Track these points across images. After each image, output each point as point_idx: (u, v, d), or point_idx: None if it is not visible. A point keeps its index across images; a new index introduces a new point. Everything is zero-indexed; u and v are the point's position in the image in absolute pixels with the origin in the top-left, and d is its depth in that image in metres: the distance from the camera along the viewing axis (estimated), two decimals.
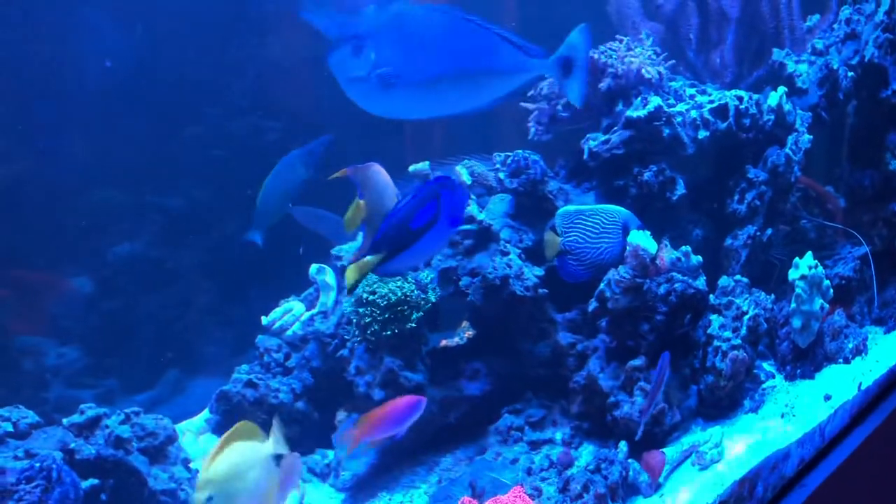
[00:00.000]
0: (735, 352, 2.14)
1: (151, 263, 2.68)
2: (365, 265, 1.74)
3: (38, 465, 1.59)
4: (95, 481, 1.86)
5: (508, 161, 2.38)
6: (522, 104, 2.52)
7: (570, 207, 2.28)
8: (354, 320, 2.16)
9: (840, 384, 2.26)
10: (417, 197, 1.77)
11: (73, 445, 1.87)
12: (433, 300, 2.16)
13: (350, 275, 1.74)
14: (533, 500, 1.78)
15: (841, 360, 2.39)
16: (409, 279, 2.16)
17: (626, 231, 2.20)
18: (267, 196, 2.53)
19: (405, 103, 1.90)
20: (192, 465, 2.12)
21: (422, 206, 1.77)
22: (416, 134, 3.06)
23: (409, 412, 1.89)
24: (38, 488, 1.56)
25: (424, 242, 1.78)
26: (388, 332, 2.12)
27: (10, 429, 1.88)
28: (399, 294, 2.12)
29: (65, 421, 1.97)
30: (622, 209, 2.25)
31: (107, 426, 1.97)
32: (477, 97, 1.91)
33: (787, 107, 2.55)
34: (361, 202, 1.86)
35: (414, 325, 2.14)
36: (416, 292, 2.13)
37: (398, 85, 1.85)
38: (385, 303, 2.12)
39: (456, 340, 2.27)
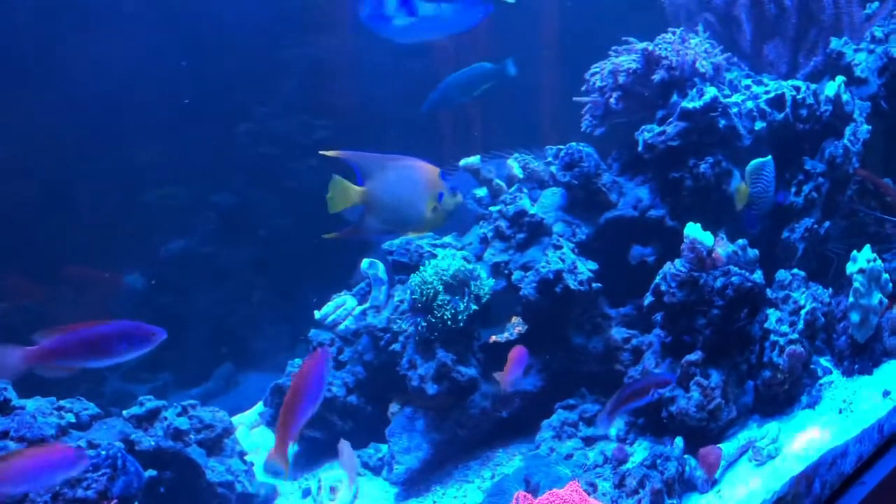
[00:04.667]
0: (792, 346, 2.11)
1: (204, 259, 2.72)
2: None
3: (103, 453, 1.62)
4: (154, 472, 1.89)
5: (561, 154, 2.36)
6: (575, 99, 2.50)
7: (757, 160, 2.33)
8: (417, 298, 2.16)
9: None
10: None
11: (133, 437, 1.91)
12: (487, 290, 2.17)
13: None
14: (588, 495, 1.76)
15: None
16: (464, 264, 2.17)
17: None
18: (453, 80, 2.71)
19: None
20: (247, 458, 2.15)
21: None
22: (461, 129, 3.07)
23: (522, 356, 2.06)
24: (104, 476, 1.59)
25: None
26: (448, 314, 2.13)
27: (73, 420, 1.92)
28: (456, 273, 2.14)
29: (125, 413, 2.01)
30: None
31: (165, 418, 2.00)
32: None
33: (846, 97, 2.49)
34: (360, 188, 1.87)
35: (475, 307, 2.14)
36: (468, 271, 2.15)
37: None
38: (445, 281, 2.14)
39: (506, 336, 2.26)
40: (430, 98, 2.79)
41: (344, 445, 2.09)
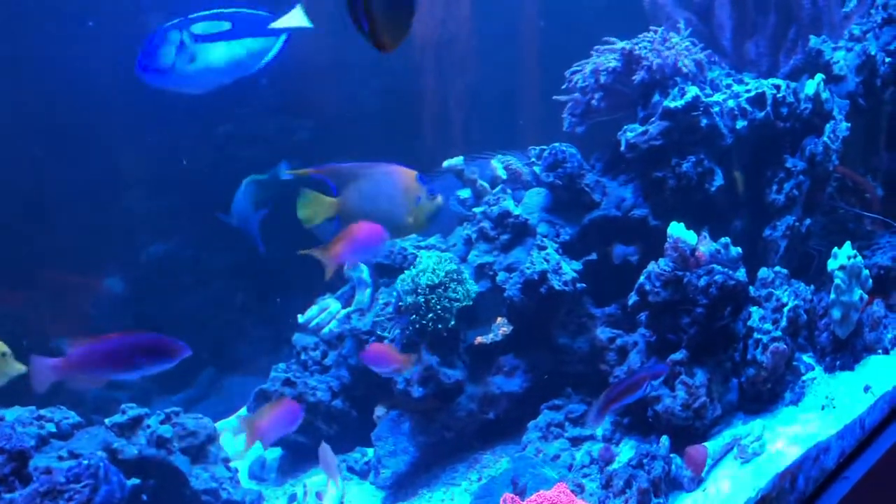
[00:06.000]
0: (775, 344, 2.12)
1: (185, 263, 2.70)
2: None
3: (85, 463, 1.60)
4: (137, 481, 1.87)
5: (545, 154, 2.36)
6: (556, 97, 2.50)
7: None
8: (406, 303, 2.16)
9: (880, 375, 2.23)
10: None
11: (115, 445, 1.89)
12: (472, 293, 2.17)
13: None
14: (576, 496, 1.76)
15: (880, 351, 2.36)
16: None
17: None
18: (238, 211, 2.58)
19: None
20: (231, 464, 2.13)
21: None
22: (440, 130, 3.06)
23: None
24: (87, 488, 1.57)
25: None
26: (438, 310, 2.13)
27: (54, 429, 1.90)
28: (442, 275, 2.13)
29: (107, 421, 1.99)
30: None
31: (148, 426, 1.98)
32: None
33: (825, 94, 2.50)
34: (334, 199, 1.85)
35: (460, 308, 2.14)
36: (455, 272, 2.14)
37: None
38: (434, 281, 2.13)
39: (491, 337, 2.26)
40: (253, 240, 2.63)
41: (324, 449, 2.08)
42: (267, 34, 2.14)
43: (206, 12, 2.03)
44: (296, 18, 2.09)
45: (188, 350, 1.64)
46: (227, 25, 2.08)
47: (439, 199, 2.00)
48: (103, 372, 1.58)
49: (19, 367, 1.89)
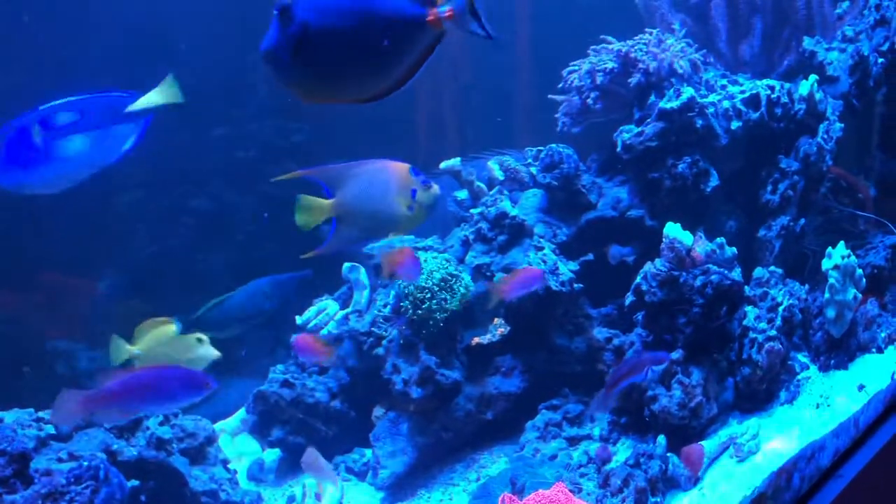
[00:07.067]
0: (771, 343, 2.13)
1: (182, 265, 2.69)
2: None
3: (85, 464, 1.60)
4: (136, 482, 1.87)
5: (541, 155, 2.37)
6: (550, 96, 2.51)
7: None
8: (407, 304, 2.17)
9: (873, 374, 2.25)
10: None
11: (115, 447, 1.88)
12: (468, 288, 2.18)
13: None
14: (573, 495, 1.77)
15: (874, 350, 2.38)
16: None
17: None
18: (226, 310, 2.46)
19: None
20: (230, 466, 2.13)
21: None
22: (436, 131, 3.06)
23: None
24: (88, 489, 1.57)
25: None
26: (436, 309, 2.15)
27: (53, 431, 1.89)
28: (444, 272, 2.15)
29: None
30: None
31: (147, 427, 1.98)
32: None
33: (819, 95, 2.52)
34: (329, 201, 1.85)
35: (457, 305, 2.15)
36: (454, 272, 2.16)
37: None
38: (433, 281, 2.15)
39: (488, 337, 2.27)
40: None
41: (311, 453, 2.07)
42: (124, 120, 1.89)
43: (57, 102, 1.88)
44: (164, 93, 1.94)
45: (216, 383, 1.64)
46: (75, 116, 1.91)
47: (435, 187, 1.98)
48: (133, 406, 1.58)
49: (216, 353, 2.10)
